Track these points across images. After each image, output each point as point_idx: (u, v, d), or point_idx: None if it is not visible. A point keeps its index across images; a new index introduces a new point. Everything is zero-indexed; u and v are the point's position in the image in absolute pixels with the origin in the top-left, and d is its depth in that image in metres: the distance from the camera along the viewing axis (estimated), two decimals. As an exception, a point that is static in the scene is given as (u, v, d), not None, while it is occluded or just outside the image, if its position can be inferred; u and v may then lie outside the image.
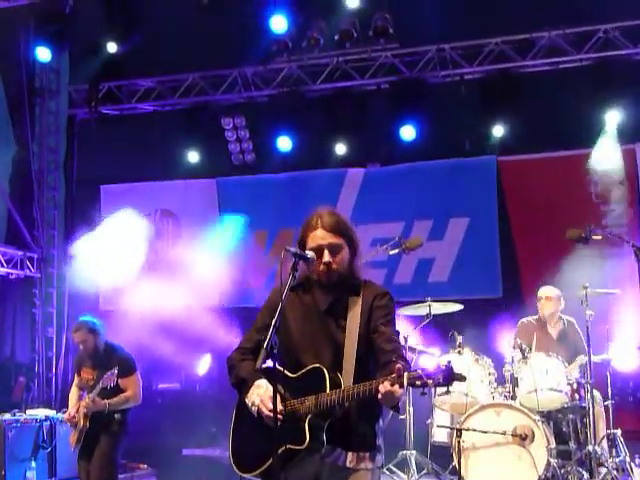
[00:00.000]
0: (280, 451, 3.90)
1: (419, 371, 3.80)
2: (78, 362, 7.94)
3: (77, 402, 7.71)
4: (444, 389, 3.88)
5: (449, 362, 3.84)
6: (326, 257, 4.12)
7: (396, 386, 3.75)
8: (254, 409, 4.02)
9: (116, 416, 7.55)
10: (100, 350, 7.68)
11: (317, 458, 3.98)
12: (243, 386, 4.15)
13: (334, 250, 4.14)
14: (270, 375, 4.00)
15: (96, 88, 12.64)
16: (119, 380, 7.44)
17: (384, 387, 3.76)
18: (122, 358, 7.58)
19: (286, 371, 4.09)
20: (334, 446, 4.00)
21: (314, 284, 4.23)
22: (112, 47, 11.72)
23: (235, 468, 4.15)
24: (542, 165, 11.27)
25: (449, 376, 3.78)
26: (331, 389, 3.94)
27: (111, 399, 7.43)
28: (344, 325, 4.12)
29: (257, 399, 4.02)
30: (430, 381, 3.78)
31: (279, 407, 3.90)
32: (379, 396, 3.78)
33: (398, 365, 3.82)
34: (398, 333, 4.28)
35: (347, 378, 3.99)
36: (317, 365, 4.04)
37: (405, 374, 3.78)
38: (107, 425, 7.51)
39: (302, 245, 4.19)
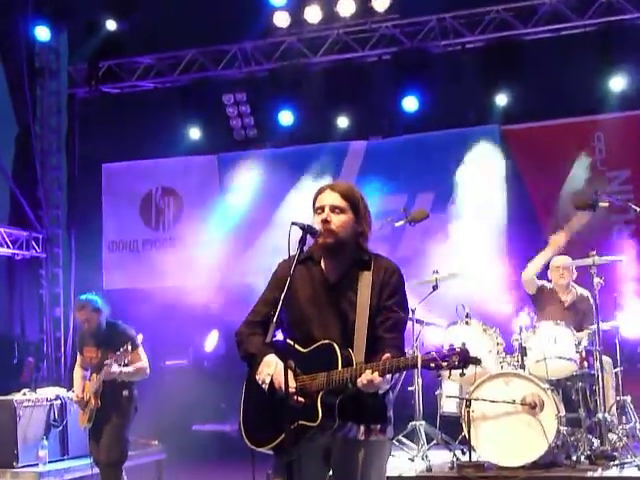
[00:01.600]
0: (292, 427, 3.88)
1: (433, 353, 3.79)
2: (80, 341, 7.93)
3: (82, 382, 7.72)
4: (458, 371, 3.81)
5: (464, 344, 3.81)
6: (325, 214, 4.09)
7: (375, 374, 3.78)
8: (264, 386, 4.00)
9: (124, 393, 7.55)
10: (103, 328, 7.65)
11: (326, 433, 3.98)
12: (252, 361, 4.12)
13: (336, 211, 4.11)
14: (280, 350, 3.99)
15: (96, 67, 12.60)
16: (129, 356, 7.42)
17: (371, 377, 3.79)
18: (126, 334, 7.55)
19: (296, 345, 4.07)
20: (345, 421, 3.99)
21: (323, 257, 4.19)
22: (111, 25, 11.68)
23: (247, 441, 4.13)
24: (546, 133, 11.22)
25: (464, 359, 3.76)
26: (343, 366, 3.92)
27: (124, 368, 7.44)
28: (354, 300, 4.08)
29: (267, 377, 3.99)
30: (444, 364, 3.76)
31: (292, 387, 3.90)
32: (364, 382, 3.79)
33: (387, 354, 3.84)
34: (407, 309, 4.25)
35: (359, 355, 3.97)
36: (328, 341, 4.01)
37: (420, 357, 3.79)
38: (116, 403, 7.51)
39: (314, 211, 4.19)
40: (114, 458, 7.47)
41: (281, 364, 3.91)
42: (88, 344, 7.72)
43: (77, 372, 7.89)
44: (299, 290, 4.13)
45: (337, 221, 4.10)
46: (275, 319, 3.80)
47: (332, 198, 4.13)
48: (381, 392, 4.02)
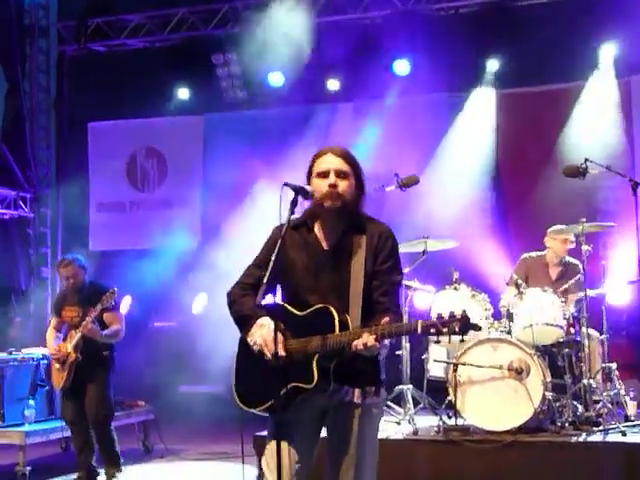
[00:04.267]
0: (287, 388, 3.92)
1: (433, 319, 3.79)
2: (59, 302, 7.97)
3: (55, 343, 7.76)
4: (458, 337, 3.82)
5: (464, 311, 3.80)
6: (332, 179, 4.06)
7: (372, 337, 3.79)
8: (256, 348, 4.00)
9: (104, 353, 7.65)
10: (86, 286, 7.74)
11: (324, 395, 3.99)
12: (245, 322, 4.11)
13: (341, 175, 4.09)
14: (274, 312, 4.00)
15: (85, 24, 12.47)
16: (104, 314, 7.54)
17: (367, 339, 3.80)
18: (107, 291, 7.56)
19: (291, 308, 4.06)
20: (341, 384, 4.00)
21: (321, 221, 4.17)
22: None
23: (239, 403, 4.14)
24: (538, 97, 11.20)
25: (465, 325, 3.76)
26: (340, 330, 3.92)
27: (108, 321, 7.54)
28: (348, 266, 4.08)
29: (259, 339, 3.99)
30: (445, 330, 3.76)
31: (281, 351, 3.91)
32: (359, 346, 3.80)
33: (386, 318, 3.87)
34: (402, 272, 4.25)
35: (355, 319, 3.98)
36: (325, 305, 3.99)
37: (420, 323, 3.80)
38: (98, 362, 7.60)
39: (309, 175, 4.16)
40: (104, 414, 7.62)
41: (272, 326, 3.92)
42: (69, 303, 7.77)
43: (51, 334, 7.92)
44: (294, 256, 4.12)
45: (343, 185, 4.07)
46: (266, 280, 3.79)
47: (337, 162, 4.10)
48: (380, 357, 4.05)
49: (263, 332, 4.00)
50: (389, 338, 3.90)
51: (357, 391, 4.05)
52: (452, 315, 3.78)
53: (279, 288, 4.17)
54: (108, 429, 7.70)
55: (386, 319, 3.87)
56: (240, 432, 4.19)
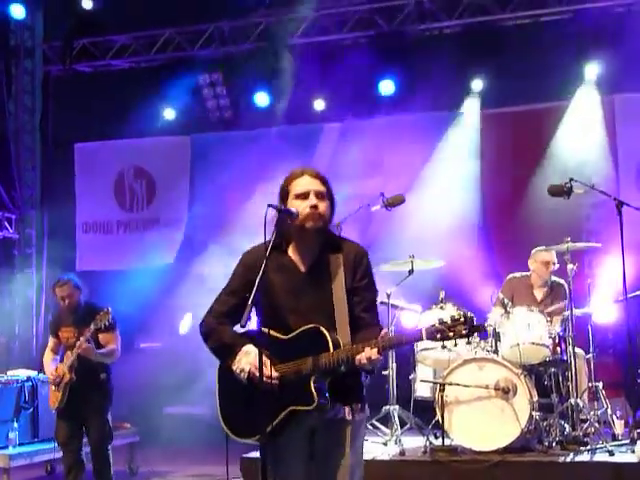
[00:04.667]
0: (284, 413, 3.94)
1: (436, 325, 3.87)
2: (55, 323, 7.91)
3: (53, 365, 7.70)
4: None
5: (466, 312, 3.90)
6: (313, 200, 4.08)
7: (374, 350, 3.85)
8: (243, 375, 3.99)
9: (101, 376, 7.59)
10: (81, 307, 7.69)
11: (314, 414, 3.98)
12: (227, 351, 4.10)
13: (320, 196, 4.12)
14: (257, 339, 3.99)
15: (70, 45, 12.47)
16: (100, 335, 7.48)
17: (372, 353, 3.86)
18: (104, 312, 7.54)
19: (274, 333, 4.04)
20: (334, 402, 4.02)
21: (297, 243, 4.17)
22: (87, 3, 11.55)
23: (232, 435, 4.11)
24: (522, 117, 11.25)
25: (470, 327, 3.85)
26: (334, 348, 3.94)
27: (99, 349, 7.47)
28: (329, 285, 4.10)
29: (247, 366, 3.99)
30: (451, 333, 3.85)
31: (274, 374, 3.93)
32: (363, 360, 3.85)
33: (384, 330, 3.95)
34: (377, 292, 4.30)
35: (344, 337, 4.00)
36: (315, 325, 4.00)
37: (424, 329, 3.88)
38: (96, 385, 7.55)
39: (284, 196, 4.15)
40: (104, 439, 7.59)
41: (258, 352, 3.90)
42: (65, 324, 7.70)
43: (48, 356, 7.86)
44: (272, 279, 4.07)
45: (323, 206, 4.11)
46: (250, 302, 3.79)
47: (316, 184, 4.13)
48: (363, 378, 4.10)
49: (250, 359, 4.00)
50: (391, 349, 3.98)
51: (347, 408, 4.08)
52: (456, 318, 3.86)
53: (254, 312, 4.11)
54: (107, 453, 7.66)
55: (385, 331, 3.94)
56: (225, 455, 4.18)
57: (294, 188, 4.14)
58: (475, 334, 3.90)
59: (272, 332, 4.02)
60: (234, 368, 4.03)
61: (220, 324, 4.19)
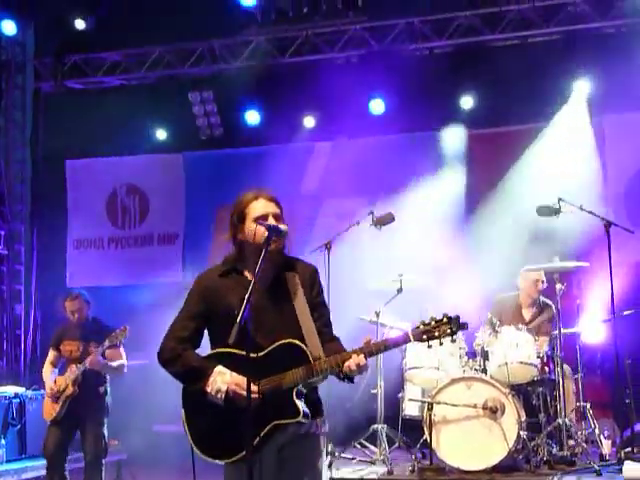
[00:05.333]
0: (268, 428, 3.96)
1: (421, 327, 4.02)
2: (59, 336, 7.97)
3: (52, 378, 7.74)
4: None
5: (445, 314, 4.04)
6: (273, 222, 4.13)
7: (361, 357, 3.95)
8: (220, 396, 3.99)
9: (101, 389, 7.68)
10: (89, 321, 7.82)
11: (290, 429, 4.02)
12: (197, 375, 4.08)
13: (278, 219, 4.18)
14: (223, 359, 4.04)
15: (61, 62, 12.48)
16: (108, 350, 7.56)
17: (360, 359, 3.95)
18: (111, 329, 7.61)
19: (241, 352, 3.96)
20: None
21: (251, 264, 4.14)
22: (80, 24, 11.59)
23: (208, 458, 4.09)
24: (510, 137, 11.29)
25: (456, 326, 4.01)
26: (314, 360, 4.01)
27: (110, 360, 7.59)
28: (291, 302, 4.15)
29: (223, 386, 3.99)
30: (437, 333, 3.99)
31: (254, 388, 3.91)
32: (353, 367, 3.93)
33: (368, 337, 4.07)
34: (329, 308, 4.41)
35: (317, 351, 4.05)
36: (290, 340, 4.04)
37: (410, 331, 4.03)
38: (96, 398, 7.65)
39: (240, 219, 4.19)
40: (101, 452, 7.66)
41: (234, 373, 3.98)
42: (69, 337, 7.80)
43: (47, 369, 7.93)
44: (231, 301, 4.08)
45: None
46: (239, 320, 3.77)
47: (272, 206, 4.21)
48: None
49: (226, 379, 4.01)
50: (377, 354, 4.07)
51: (315, 422, 4.14)
52: (439, 319, 4.02)
53: (207, 334, 4.24)
54: (100, 467, 7.72)
55: (368, 338, 4.06)
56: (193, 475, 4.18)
57: (252, 211, 4.18)
58: (460, 334, 4.04)
59: (238, 351, 3.97)
60: (209, 390, 4.02)
61: (184, 349, 4.18)
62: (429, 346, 4.10)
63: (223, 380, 4.00)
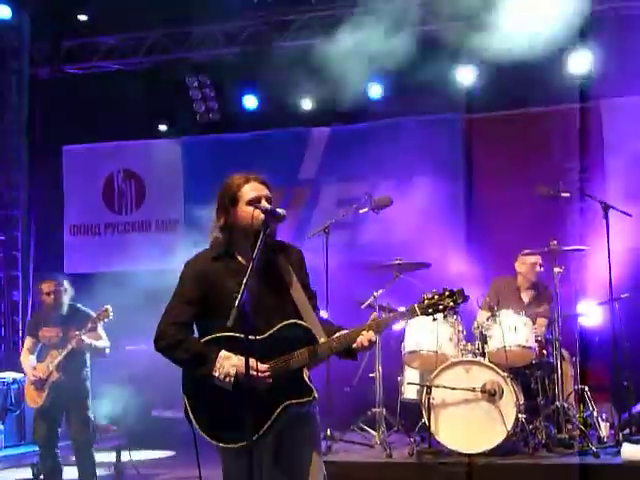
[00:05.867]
0: (279, 410, 3.99)
1: (426, 300, 4.11)
2: (36, 323, 7.96)
3: (31, 365, 7.74)
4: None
5: (445, 288, 4.15)
6: (267, 205, 4.12)
7: (371, 332, 4.03)
8: (229, 380, 3.97)
9: (84, 375, 7.70)
10: (66, 307, 7.75)
11: (295, 409, 4.04)
12: (202, 360, 4.04)
13: (270, 201, 4.19)
14: (226, 343, 4.01)
15: (58, 47, 12.45)
16: (88, 334, 7.51)
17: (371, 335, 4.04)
18: (89, 314, 7.64)
19: (243, 335, 3.94)
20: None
21: (242, 248, 4.17)
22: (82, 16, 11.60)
23: (218, 443, 4.06)
24: (508, 122, 11.28)
25: (460, 298, 4.12)
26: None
27: (94, 339, 7.57)
28: (285, 284, 4.17)
29: (232, 369, 3.97)
30: (441, 307, 4.09)
31: (264, 367, 3.97)
32: (365, 343, 4.01)
33: (374, 314, 4.23)
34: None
35: (318, 329, 4.09)
36: (295, 320, 4.08)
37: (416, 305, 4.11)
38: (79, 382, 7.64)
39: (232, 203, 4.18)
40: (89, 436, 7.69)
41: (240, 356, 3.93)
42: (47, 324, 7.75)
43: (26, 356, 7.90)
44: (226, 284, 4.07)
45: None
46: (237, 303, 3.75)
47: (264, 189, 4.21)
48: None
49: (233, 362, 3.98)
50: (385, 328, 4.16)
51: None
52: (441, 293, 4.12)
53: (200, 322, 4.21)
54: (91, 452, 7.72)
55: (374, 314, 4.19)
56: (196, 460, 4.17)
57: (244, 194, 4.17)
58: (458, 317, 4.15)
59: (238, 335, 3.95)
60: (216, 375, 3.99)
61: (186, 335, 4.15)
62: (434, 319, 4.25)
63: (231, 364, 3.98)
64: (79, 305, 7.85)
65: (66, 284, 7.79)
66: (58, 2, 11.74)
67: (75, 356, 7.52)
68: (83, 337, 7.38)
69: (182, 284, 4.27)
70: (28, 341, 7.95)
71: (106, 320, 7.54)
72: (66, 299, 7.75)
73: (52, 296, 7.68)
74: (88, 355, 7.75)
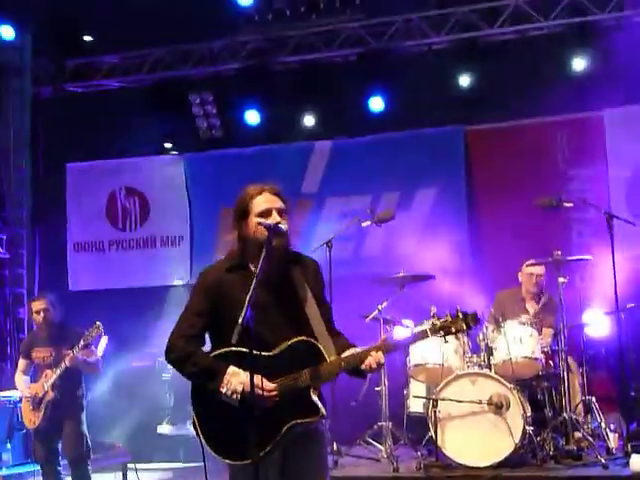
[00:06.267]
0: (285, 429, 3.94)
1: (437, 323, 4.08)
2: (29, 344, 8.01)
3: (26, 386, 7.79)
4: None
5: (458, 309, 4.12)
6: (277, 218, 4.07)
7: (380, 354, 3.98)
8: (236, 397, 3.94)
9: (78, 392, 7.71)
10: (56, 325, 7.79)
11: (303, 427, 4.00)
12: (210, 375, 4.01)
13: (282, 213, 4.12)
14: (235, 358, 3.96)
15: (61, 66, 12.49)
16: (81, 352, 7.50)
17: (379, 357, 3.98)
18: (79, 332, 7.59)
19: (254, 351, 3.91)
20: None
21: (256, 259, 4.06)
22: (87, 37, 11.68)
23: (225, 460, 4.02)
24: (510, 133, 11.28)
25: (471, 321, 4.09)
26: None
27: (86, 356, 7.57)
28: (298, 298, 4.12)
29: (239, 386, 3.93)
30: (453, 329, 4.06)
31: (271, 385, 3.94)
32: (373, 365, 3.97)
33: (384, 335, 4.07)
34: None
35: (329, 347, 4.04)
36: (304, 338, 4.02)
37: (427, 328, 4.10)
38: (74, 401, 7.66)
39: (244, 215, 4.14)
40: (83, 452, 7.63)
41: (247, 373, 3.86)
42: (39, 344, 7.81)
43: (20, 377, 7.97)
44: (238, 297, 3.95)
45: (285, 223, 4.11)
46: (241, 321, 3.73)
47: (277, 201, 4.15)
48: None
49: (241, 379, 3.95)
50: (394, 351, 4.12)
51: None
52: (454, 314, 4.08)
53: (213, 333, 4.19)
54: (86, 468, 7.71)
55: (384, 336, 4.10)
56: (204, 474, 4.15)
57: (255, 206, 4.13)
58: (472, 327, 4.11)
59: (253, 351, 3.89)
60: (223, 391, 3.96)
61: (194, 348, 4.12)
62: (446, 341, 4.21)
63: (239, 381, 3.95)
64: (67, 323, 7.89)
65: (54, 301, 7.84)
66: (61, 22, 11.78)
67: (69, 374, 7.53)
68: (77, 355, 7.37)
69: (193, 295, 4.25)
70: (21, 363, 8.01)
71: (96, 337, 7.53)
72: (57, 316, 7.80)
73: (42, 314, 7.72)
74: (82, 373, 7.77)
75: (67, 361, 7.36)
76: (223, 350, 4.03)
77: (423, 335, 4.12)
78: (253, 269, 4.11)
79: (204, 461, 4.09)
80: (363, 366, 3.97)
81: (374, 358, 3.95)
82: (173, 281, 12.19)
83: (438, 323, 4.06)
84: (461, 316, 4.06)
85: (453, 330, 4.05)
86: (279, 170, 11.13)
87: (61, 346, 7.52)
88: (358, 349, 4.06)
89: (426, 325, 4.15)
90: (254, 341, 3.84)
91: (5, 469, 8.45)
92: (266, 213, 4.09)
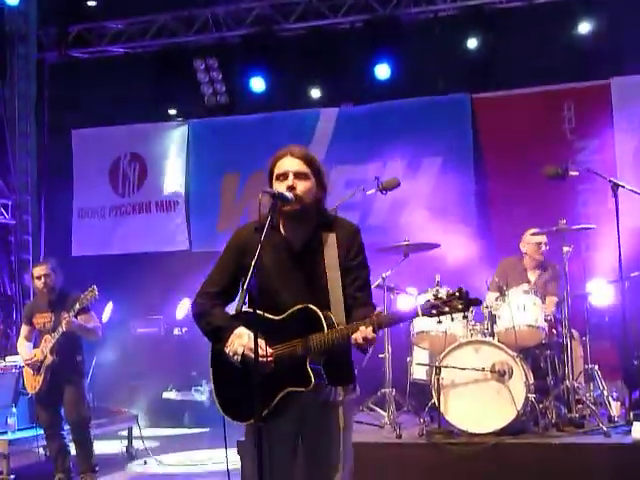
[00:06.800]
0: (281, 395, 3.93)
1: (431, 301, 3.87)
2: (30, 310, 8.06)
3: (29, 352, 7.84)
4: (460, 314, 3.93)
5: (460, 287, 3.89)
6: (290, 181, 4.04)
7: (370, 329, 3.82)
8: (237, 358, 3.96)
9: (78, 358, 7.75)
10: (57, 291, 7.83)
11: (309, 397, 3.97)
12: (220, 334, 4.05)
13: (300, 177, 4.07)
14: (248, 319, 3.94)
15: (65, 31, 12.45)
16: (78, 316, 7.56)
17: (368, 332, 3.83)
18: (75, 296, 7.63)
19: (266, 314, 3.99)
20: (329, 383, 4.01)
21: (285, 223, 4.11)
22: (91, 2, 11.60)
23: (228, 418, 4.08)
24: (517, 101, 11.23)
25: (466, 301, 3.86)
26: (328, 328, 3.91)
27: (85, 322, 7.61)
28: (322, 263, 4.06)
29: (240, 348, 3.95)
30: (447, 308, 3.85)
31: (269, 351, 3.91)
32: (360, 340, 3.82)
33: (378, 309, 3.99)
34: (369, 270, 4.25)
35: (338, 315, 3.98)
36: (306, 305, 3.97)
37: (419, 306, 3.87)
38: (73, 366, 7.71)
39: (270, 178, 4.14)
40: (83, 417, 7.73)
41: (252, 335, 3.85)
42: (40, 310, 7.86)
43: (22, 343, 8.02)
44: (263, 258, 3.95)
45: (302, 187, 4.05)
46: (246, 285, 3.76)
47: (295, 164, 4.08)
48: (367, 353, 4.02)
49: (243, 341, 3.96)
50: (387, 327, 4.06)
51: (339, 389, 4.07)
52: (451, 293, 3.86)
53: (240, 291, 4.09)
54: (87, 431, 7.80)
55: (378, 310, 3.98)
56: (224, 438, 4.16)
57: (276, 169, 4.11)
58: (471, 309, 3.90)
59: (263, 313, 3.96)
60: (227, 351, 3.98)
61: (213, 306, 4.14)
62: (439, 322, 3.97)
63: (240, 342, 3.96)
64: (67, 288, 7.91)
65: (56, 267, 7.86)
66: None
67: (68, 339, 7.58)
68: (72, 319, 7.40)
69: (223, 252, 4.26)
70: (24, 329, 8.07)
71: (92, 300, 7.55)
72: (58, 282, 7.83)
73: (42, 280, 7.76)
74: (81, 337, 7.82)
75: (64, 325, 7.39)
76: (242, 310, 3.97)
77: (414, 314, 3.91)
78: (283, 231, 4.14)
79: (224, 424, 4.11)
80: (352, 340, 3.87)
81: (361, 333, 3.82)
82: (173, 247, 12.22)
83: (431, 301, 3.86)
84: (457, 295, 3.84)
85: (446, 310, 3.84)
86: (284, 138, 11.09)
87: (60, 311, 7.56)
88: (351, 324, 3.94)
89: (420, 304, 3.92)
90: (268, 304, 3.89)
91: (11, 433, 8.50)
92: (282, 176, 4.07)
